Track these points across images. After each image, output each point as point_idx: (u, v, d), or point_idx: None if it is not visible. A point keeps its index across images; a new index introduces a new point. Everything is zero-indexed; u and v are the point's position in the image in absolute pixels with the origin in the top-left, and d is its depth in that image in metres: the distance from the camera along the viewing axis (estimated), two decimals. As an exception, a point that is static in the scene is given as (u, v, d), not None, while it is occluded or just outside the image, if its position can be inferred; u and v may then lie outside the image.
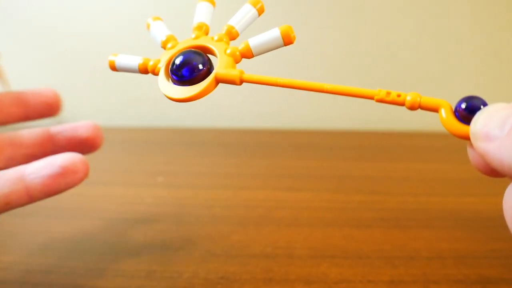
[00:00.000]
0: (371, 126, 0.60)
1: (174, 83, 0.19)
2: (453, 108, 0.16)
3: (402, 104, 0.16)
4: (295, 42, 0.19)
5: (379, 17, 0.58)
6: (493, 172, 0.16)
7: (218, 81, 0.19)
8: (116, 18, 0.59)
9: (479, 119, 0.15)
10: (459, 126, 0.16)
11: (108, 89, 0.62)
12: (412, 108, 0.16)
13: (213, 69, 0.19)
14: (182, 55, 0.19)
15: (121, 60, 0.21)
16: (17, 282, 0.24)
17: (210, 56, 0.20)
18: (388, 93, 0.16)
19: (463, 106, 0.16)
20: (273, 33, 0.19)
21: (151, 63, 0.20)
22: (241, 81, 0.18)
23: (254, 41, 0.19)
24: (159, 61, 0.20)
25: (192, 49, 0.19)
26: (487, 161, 0.14)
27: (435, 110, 0.16)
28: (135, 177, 0.41)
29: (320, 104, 0.61)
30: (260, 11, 0.20)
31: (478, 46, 0.59)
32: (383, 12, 0.58)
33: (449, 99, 0.16)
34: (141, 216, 0.33)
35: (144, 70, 0.20)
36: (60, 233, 0.30)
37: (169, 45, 0.20)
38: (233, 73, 0.18)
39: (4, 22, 0.60)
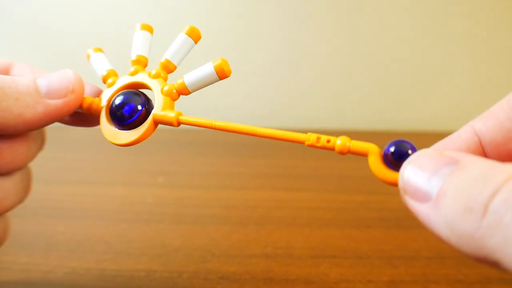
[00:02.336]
0: (371, 126, 0.60)
1: (115, 125, 0.19)
2: (382, 152, 0.16)
3: (332, 149, 0.16)
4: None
5: (379, 17, 0.58)
6: None
7: (156, 123, 0.19)
8: (116, 18, 0.59)
9: (405, 171, 0.13)
10: (387, 173, 0.15)
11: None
12: (341, 152, 0.16)
13: (152, 108, 0.19)
14: (122, 96, 0.19)
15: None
16: (17, 282, 0.24)
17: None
18: (318, 138, 0.17)
19: (392, 150, 0.15)
20: (207, 69, 0.19)
21: (109, 81, 0.21)
22: (179, 123, 0.19)
23: (189, 78, 0.19)
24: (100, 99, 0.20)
25: (132, 90, 0.20)
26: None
27: (364, 154, 0.16)
28: (135, 177, 0.41)
29: (320, 104, 0.61)
30: (197, 39, 0.20)
31: (478, 46, 0.59)
32: (383, 12, 0.58)
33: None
34: (141, 216, 0.33)
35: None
36: (60, 233, 0.30)
37: (109, 81, 0.21)
38: (170, 115, 0.19)
39: (4, 22, 0.60)
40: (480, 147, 0.16)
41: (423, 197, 0.12)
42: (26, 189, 0.21)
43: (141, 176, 0.41)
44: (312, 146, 0.17)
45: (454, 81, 0.59)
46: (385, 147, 0.15)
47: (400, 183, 0.14)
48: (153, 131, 0.19)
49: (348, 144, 0.16)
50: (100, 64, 0.22)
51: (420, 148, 0.15)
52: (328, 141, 0.17)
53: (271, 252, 0.27)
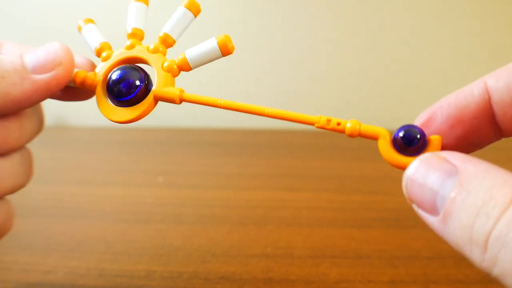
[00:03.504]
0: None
1: (112, 101, 0.18)
2: (392, 137, 0.16)
3: (342, 131, 0.16)
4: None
5: (379, 17, 0.58)
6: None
7: (157, 100, 0.18)
8: (116, 18, 0.59)
9: (408, 183, 0.14)
10: (396, 157, 0.15)
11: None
12: (351, 135, 0.16)
13: (151, 85, 0.18)
14: (120, 71, 0.18)
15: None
16: (17, 282, 0.24)
17: (147, 66, 0.19)
18: (329, 121, 0.16)
19: (401, 135, 0.15)
20: (210, 44, 0.18)
21: (103, 54, 0.20)
22: (181, 101, 0.18)
23: (191, 53, 0.18)
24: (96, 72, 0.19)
25: (130, 65, 0.19)
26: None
27: (374, 138, 0.16)
28: (135, 177, 0.41)
29: (320, 104, 0.61)
30: (196, 13, 0.19)
31: (478, 46, 0.59)
32: (383, 12, 0.58)
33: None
34: (141, 216, 0.33)
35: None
36: (60, 233, 0.30)
37: (104, 54, 0.20)
38: (173, 92, 0.18)
39: (4, 22, 0.60)
40: (489, 105, 0.16)
41: (430, 209, 0.13)
42: (26, 171, 0.20)
43: (141, 176, 0.41)
44: (322, 128, 0.17)
45: (454, 81, 0.59)
46: (395, 131, 0.16)
47: (405, 193, 0.14)
48: (154, 107, 0.18)
49: (358, 127, 0.16)
50: (93, 37, 0.20)
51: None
52: (339, 123, 0.16)
53: (271, 252, 0.27)
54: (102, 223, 0.31)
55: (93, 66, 0.20)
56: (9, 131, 0.18)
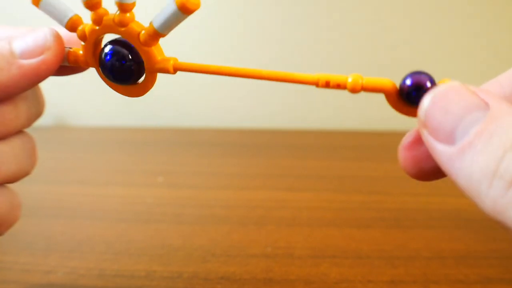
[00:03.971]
0: (371, 126, 0.60)
1: (104, 72, 0.18)
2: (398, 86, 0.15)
3: (344, 87, 0.15)
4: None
5: (379, 17, 0.58)
6: (425, 176, 0.15)
7: (153, 72, 0.18)
8: None
9: (429, 104, 0.13)
10: (406, 109, 0.15)
11: (108, 89, 0.62)
12: (353, 90, 0.15)
13: (141, 59, 0.18)
14: (107, 50, 0.18)
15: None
16: (17, 282, 0.24)
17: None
18: (328, 82, 0.15)
19: (408, 83, 0.14)
20: (171, 9, 0.16)
21: (80, 27, 0.18)
22: (175, 70, 0.17)
23: (158, 23, 0.17)
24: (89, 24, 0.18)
25: (115, 39, 0.18)
26: (436, 160, 0.13)
27: (378, 91, 0.15)
28: (135, 177, 0.41)
29: (320, 104, 0.61)
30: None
31: (478, 46, 0.59)
32: (383, 12, 0.58)
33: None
34: (141, 216, 0.33)
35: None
36: (60, 233, 0.30)
37: (80, 28, 0.18)
38: (167, 61, 0.17)
39: (4, 23, 0.60)
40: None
41: (446, 138, 0.12)
42: (29, 157, 0.20)
43: (141, 176, 0.41)
44: (323, 87, 0.16)
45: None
46: (402, 79, 0.15)
47: (421, 115, 0.13)
48: (155, 80, 0.18)
49: (360, 81, 0.15)
50: (59, 10, 0.19)
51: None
52: (339, 85, 0.15)
53: (271, 252, 0.27)
54: (102, 223, 0.31)
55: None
56: (4, 113, 0.18)
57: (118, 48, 0.18)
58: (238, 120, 0.61)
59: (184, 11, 0.16)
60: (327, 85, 0.15)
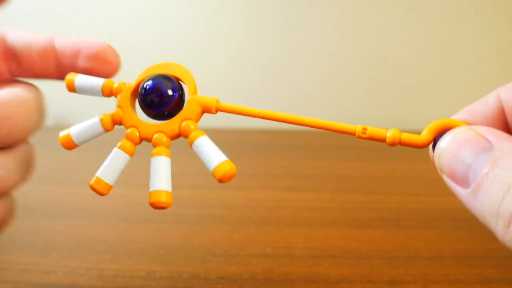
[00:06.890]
0: (371, 126, 0.60)
1: (145, 112, 0.19)
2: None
3: (383, 140, 0.16)
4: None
5: (379, 17, 0.58)
6: None
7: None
8: (116, 18, 0.59)
9: (441, 153, 0.14)
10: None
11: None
12: (392, 144, 0.16)
13: (184, 94, 0.18)
14: (151, 81, 0.18)
15: (81, 79, 0.20)
16: (17, 282, 0.24)
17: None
18: (364, 129, 0.17)
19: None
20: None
21: (115, 85, 0.19)
22: (217, 110, 0.18)
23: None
24: (124, 84, 0.19)
25: (161, 74, 0.18)
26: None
27: (414, 146, 0.16)
28: (135, 177, 0.41)
29: (320, 104, 0.61)
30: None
31: (478, 46, 0.59)
32: (383, 12, 0.58)
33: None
34: (141, 216, 0.33)
35: (108, 92, 0.19)
36: (59, 233, 0.30)
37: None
38: (209, 101, 0.18)
39: (4, 23, 0.60)
40: (503, 114, 0.16)
41: (462, 182, 0.13)
42: (31, 167, 0.20)
43: (141, 176, 0.41)
44: (360, 137, 0.17)
45: (454, 81, 0.59)
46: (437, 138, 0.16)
47: (436, 163, 0.15)
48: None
49: (398, 135, 0.16)
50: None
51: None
52: (379, 138, 0.17)
53: (271, 252, 0.27)
54: (102, 223, 0.31)
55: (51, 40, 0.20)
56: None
57: (166, 79, 0.18)
58: (238, 120, 0.61)
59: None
60: (364, 135, 0.17)
